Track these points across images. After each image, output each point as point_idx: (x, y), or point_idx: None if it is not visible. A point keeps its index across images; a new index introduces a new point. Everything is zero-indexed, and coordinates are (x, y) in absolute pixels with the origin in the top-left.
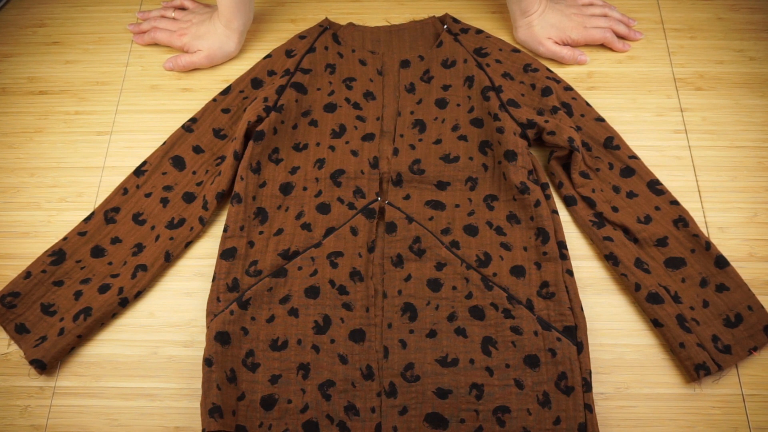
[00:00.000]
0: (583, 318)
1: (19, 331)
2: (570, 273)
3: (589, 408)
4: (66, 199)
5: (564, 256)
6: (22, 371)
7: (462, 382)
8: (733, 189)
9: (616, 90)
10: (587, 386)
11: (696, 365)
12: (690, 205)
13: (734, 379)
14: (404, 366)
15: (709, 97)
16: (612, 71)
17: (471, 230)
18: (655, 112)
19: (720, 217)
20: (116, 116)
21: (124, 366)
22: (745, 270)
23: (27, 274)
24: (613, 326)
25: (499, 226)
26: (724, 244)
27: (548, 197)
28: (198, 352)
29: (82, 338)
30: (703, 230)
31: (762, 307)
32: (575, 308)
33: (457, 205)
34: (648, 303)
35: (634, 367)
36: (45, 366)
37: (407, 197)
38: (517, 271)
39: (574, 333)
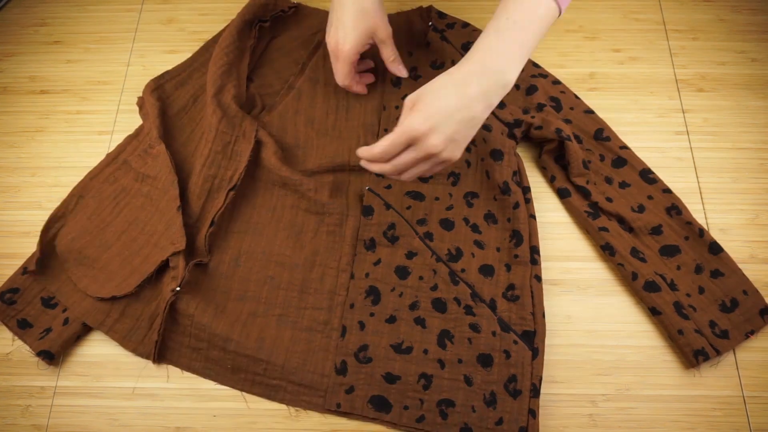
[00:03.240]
0: (543, 325)
1: (21, 327)
2: (538, 279)
3: (533, 413)
4: None
5: (535, 261)
6: (24, 371)
7: (412, 370)
8: (734, 190)
9: (618, 91)
10: (535, 392)
11: (695, 351)
12: (691, 206)
13: (735, 381)
14: (359, 347)
15: (710, 98)
16: (613, 72)
17: (447, 224)
18: (657, 113)
19: (721, 218)
20: (118, 116)
21: (125, 366)
22: (747, 272)
23: (24, 269)
24: (614, 327)
25: (476, 223)
26: (726, 246)
27: (528, 201)
28: None
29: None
30: None
31: (757, 291)
32: (537, 314)
33: (436, 198)
34: (645, 291)
35: (635, 368)
36: (53, 356)
37: (389, 187)
38: (486, 270)
39: (532, 338)
